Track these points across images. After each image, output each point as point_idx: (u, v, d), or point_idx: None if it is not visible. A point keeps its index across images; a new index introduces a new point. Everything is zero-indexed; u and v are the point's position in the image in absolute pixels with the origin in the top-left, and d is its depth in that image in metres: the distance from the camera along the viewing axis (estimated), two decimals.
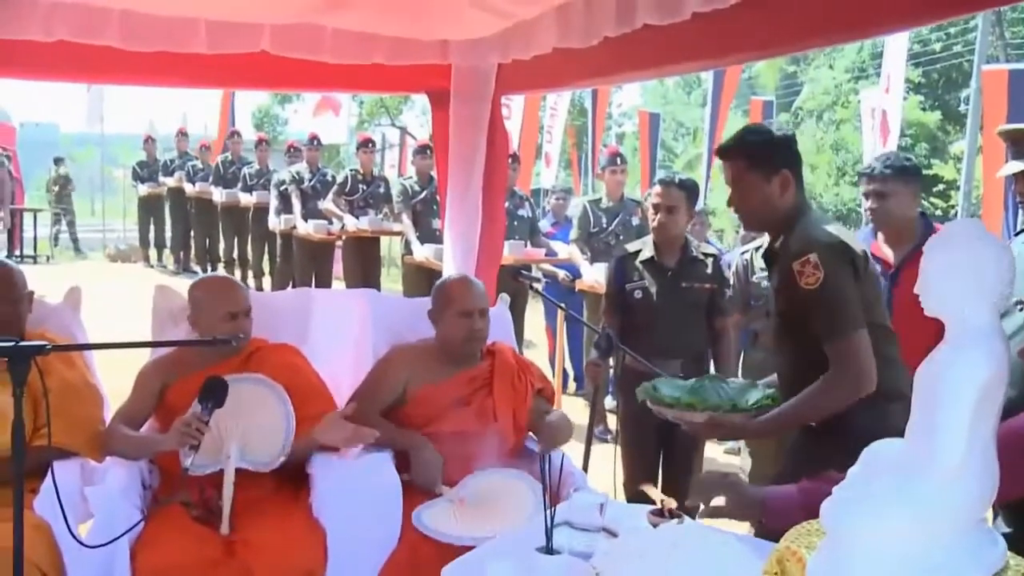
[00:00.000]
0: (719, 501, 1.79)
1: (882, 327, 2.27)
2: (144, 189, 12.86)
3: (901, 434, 2.17)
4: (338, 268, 8.49)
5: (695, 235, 3.96)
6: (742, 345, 4.37)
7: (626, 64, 2.90)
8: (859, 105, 11.77)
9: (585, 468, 2.95)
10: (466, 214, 3.78)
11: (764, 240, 2.99)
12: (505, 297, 3.49)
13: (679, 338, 3.45)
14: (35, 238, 14.43)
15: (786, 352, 2.39)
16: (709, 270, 3.55)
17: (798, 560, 1.24)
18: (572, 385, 6.77)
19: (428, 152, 6.61)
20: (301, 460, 2.69)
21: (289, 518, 2.52)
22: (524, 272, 3.64)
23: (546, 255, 6.36)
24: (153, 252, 13.34)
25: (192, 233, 12.23)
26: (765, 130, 2.45)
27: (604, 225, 5.91)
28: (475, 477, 2.65)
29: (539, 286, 3.69)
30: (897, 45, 8.63)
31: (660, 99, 26.06)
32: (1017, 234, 2.38)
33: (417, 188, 6.73)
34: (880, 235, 3.27)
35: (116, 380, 2.90)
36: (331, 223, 7.90)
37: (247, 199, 10.22)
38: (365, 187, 7.86)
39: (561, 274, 6.06)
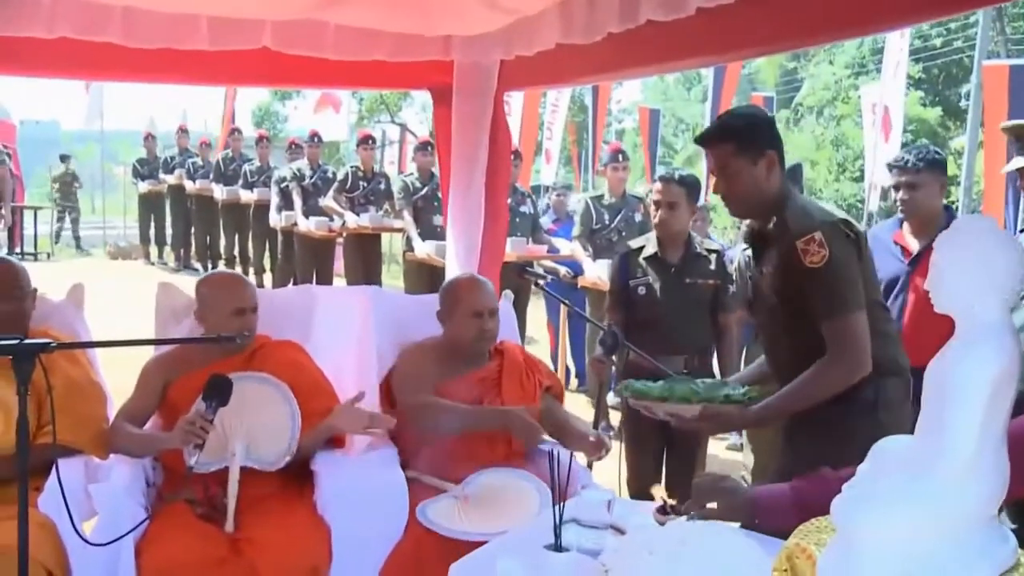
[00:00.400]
0: (712, 506, 1.79)
1: (878, 303, 2.27)
2: (144, 186, 12.82)
3: (898, 408, 2.18)
4: (339, 265, 8.48)
5: (697, 231, 3.95)
6: (745, 340, 4.37)
7: (629, 60, 2.90)
8: (859, 101, 11.76)
9: (589, 465, 2.94)
10: (469, 211, 3.78)
11: None
12: (509, 294, 3.47)
13: (683, 334, 3.44)
14: (35, 235, 14.41)
15: (781, 337, 2.35)
16: (712, 266, 3.54)
17: (808, 557, 1.24)
18: (574, 382, 6.76)
19: (429, 148, 6.61)
20: (308, 455, 2.69)
21: (294, 515, 2.52)
22: (529, 269, 3.62)
23: (548, 252, 6.36)
24: (154, 249, 13.31)
25: (193, 230, 12.20)
26: (746, 113, 2.43)
27: (606, 221, 5.90)
28: (480, 474, 2.64)
29: (543, 283, 3.68)
30: (899, 41, 8.63)
31: (660, 95, 26.02)
32: (1023, 230, 2.38)
33: (418, 184, 6.72)
34: (906, 225, 3.35)
35: (119, 377, 2.89)
36: (332, 220, 7.88)
37: (248, 196, 10.19)
38: (366, 184, 7.85)
39: (563, 271, 6.07)
